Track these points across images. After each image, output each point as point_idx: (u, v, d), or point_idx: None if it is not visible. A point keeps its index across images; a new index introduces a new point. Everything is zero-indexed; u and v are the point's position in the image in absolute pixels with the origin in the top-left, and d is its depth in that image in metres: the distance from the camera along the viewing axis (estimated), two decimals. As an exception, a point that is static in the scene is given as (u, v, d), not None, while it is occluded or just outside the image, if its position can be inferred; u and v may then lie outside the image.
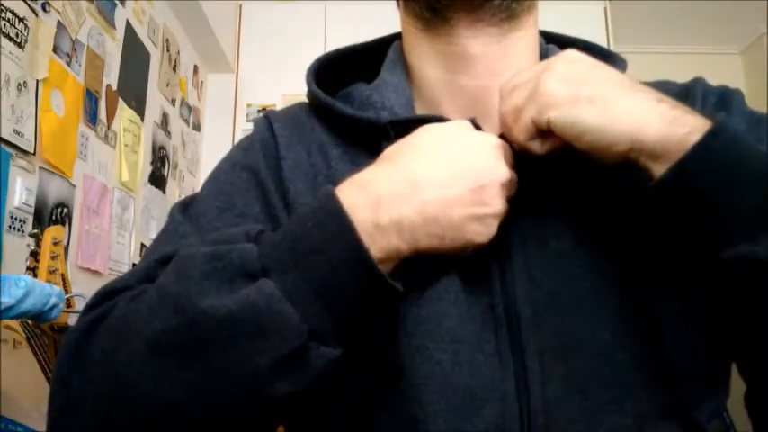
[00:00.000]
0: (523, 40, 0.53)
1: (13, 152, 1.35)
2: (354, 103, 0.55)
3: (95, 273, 1.73)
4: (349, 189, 0.43)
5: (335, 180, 0.51)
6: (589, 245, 0.48)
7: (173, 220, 0.53)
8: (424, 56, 0.54)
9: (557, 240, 0.49)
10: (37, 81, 1.44)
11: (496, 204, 0.44)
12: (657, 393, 0.46)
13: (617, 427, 0.45)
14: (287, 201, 0.51)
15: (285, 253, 0.41)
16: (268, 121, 0.56)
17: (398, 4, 0.57)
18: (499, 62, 0.52)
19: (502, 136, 0.49)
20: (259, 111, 2.86)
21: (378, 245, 0.41)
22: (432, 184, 0.43)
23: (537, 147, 0.47)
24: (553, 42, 0.58)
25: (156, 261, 0.47)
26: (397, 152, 0.46)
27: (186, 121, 2.63)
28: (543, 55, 0.56)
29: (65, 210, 1.58)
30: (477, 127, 0.49)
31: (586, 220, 0.49)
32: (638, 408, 0.46)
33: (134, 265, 1.97)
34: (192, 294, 0.40)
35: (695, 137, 0.41)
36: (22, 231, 1.37)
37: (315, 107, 0.57)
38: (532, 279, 0.48)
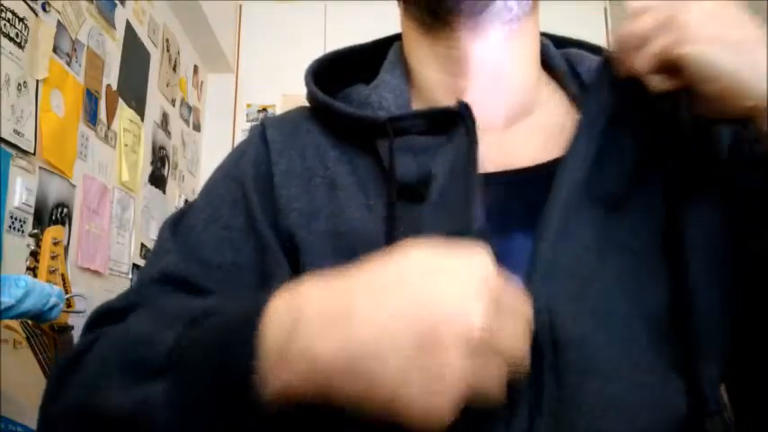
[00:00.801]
0: (525, 42, 0.53)
1: (13, 152, 1.35)
2: (353, 103, 0.55)
3: (95, 273, 1.74)
4: (282, 301, 0.37)
5: (333, 181, 0.51)
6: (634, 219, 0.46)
7: (161, 236, 0.54)
8: (425, 58, 0.54)
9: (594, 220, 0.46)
10: (37, 81, 1.44)
11: (454, 369, 0.31)
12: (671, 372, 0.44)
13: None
14: (278, 207, 0.51)
15: (192, 353, 0.38)
16: (262, 127, 0.56)
17: (399, 4, 0.57)
18: (500, 65, 0.52)
19: (606, 59, 0.47)
20: (259, 111, 2.86)
21: (281, 377, 0.35)
22: (367, 319, 0.33)
23: (657, 82, 0.43)
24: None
25: (148, 281, 0.50)
26: (360, 270, 0.36)
27: (186, 121, 2.63)
28: (545, 56, 0.56)
29: (65, 210, 1.58)
30: (469, 112, 0.48)
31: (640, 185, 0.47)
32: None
33: (134, 265, 1.98)
34: (107, 386, 0.40)
35: None
36: (22, 231, 1.37)
37: (313, 108, 0.57)
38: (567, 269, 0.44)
